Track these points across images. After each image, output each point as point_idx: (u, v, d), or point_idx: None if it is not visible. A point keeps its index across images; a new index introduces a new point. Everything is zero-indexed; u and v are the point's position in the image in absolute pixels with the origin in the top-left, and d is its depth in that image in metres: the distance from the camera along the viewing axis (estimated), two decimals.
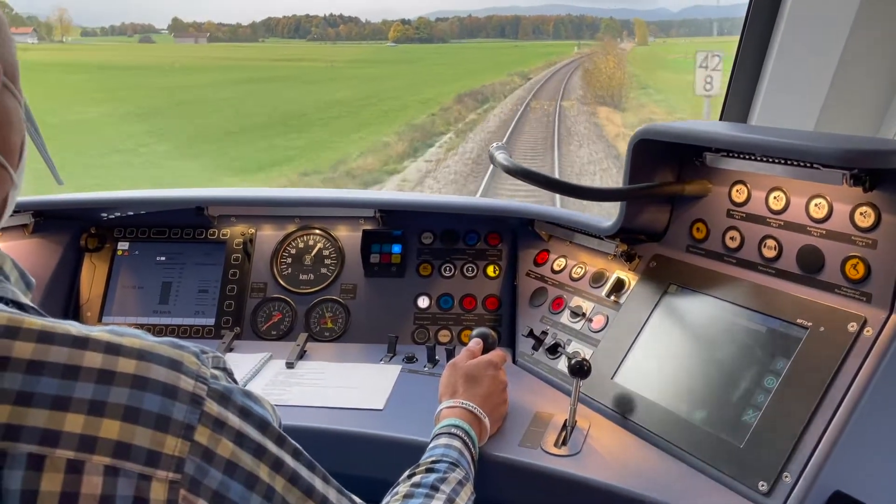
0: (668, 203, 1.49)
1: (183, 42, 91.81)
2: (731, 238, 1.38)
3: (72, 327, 0.68)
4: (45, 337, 0.65)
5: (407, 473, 1.10)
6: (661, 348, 1.39)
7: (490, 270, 1.87)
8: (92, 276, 1.93)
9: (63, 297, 1.91)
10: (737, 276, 1.36)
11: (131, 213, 1.98)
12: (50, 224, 1.92)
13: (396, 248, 1.90)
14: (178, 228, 1.97)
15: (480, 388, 1.32)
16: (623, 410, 1.37)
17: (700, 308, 1.38)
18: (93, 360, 0.65)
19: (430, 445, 1.18)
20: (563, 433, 1.34)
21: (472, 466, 1.17)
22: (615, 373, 1.43)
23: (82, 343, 0.66)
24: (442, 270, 1.88)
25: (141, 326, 1.87)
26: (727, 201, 1.39)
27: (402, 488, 1.05)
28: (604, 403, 1.41)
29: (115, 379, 0.65)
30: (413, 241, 1.91)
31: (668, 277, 1.47)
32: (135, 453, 0.64)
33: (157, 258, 1.96)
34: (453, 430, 1.20)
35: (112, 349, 0.67)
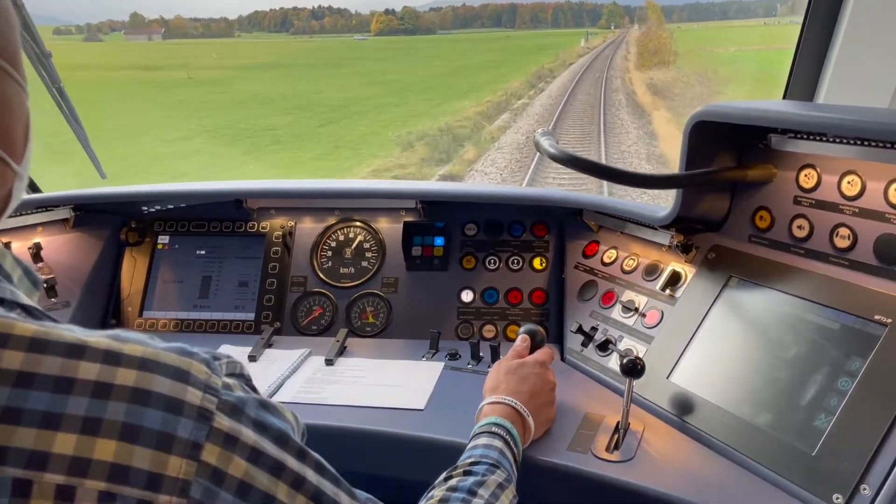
0: (728, 190, 1.39)
1: (134, 40, 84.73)
2: (799, 227, 1.27)
3: (69, 333, 0.61)
4: (37, 345, 0.59)
5: (443, 476, 1.02)
6: (722, 346, 1.29)
7: (536, 263, 1.79)
8: (132, 271, 1.92)
9: (104, 292, 1.90)
10: (805, 268, 1.25)
11: (171, 207, 1.96)
12: (91, 218, 1.91)
13: (439, 241, 1.83)
14: (217, 222, 1.94)
15: (525, 385, 1.25)
16: (680, 412, 1.28)
17: (764, 302, 1.27)
18: (88, 371, 0.59)
19: (469, 445, 1.11)
20: (616, 436, 1.26)
21: (514, 468, 1.10)
22: (671, 372, 1.34)
23: (78, 352, 0.60)
24: (486, 263, 1.81)
25: (181, 321, 1.85)
26: (794, 187, 1.28)
27: (438, 492, 0.98)
28: (659, 405, 1.32)
29: (113, 392, 0.59)
30: (456, 232, 1.84)
31: (728, 270, 1.37)
32: (133, 477, 0.58)
33: (197, 252, 1.93)
34: (494, 429, 1.13)
35: (111, 358, 0.60)
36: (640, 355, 1.41)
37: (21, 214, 1.80)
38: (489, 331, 1.76)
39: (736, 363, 1.25)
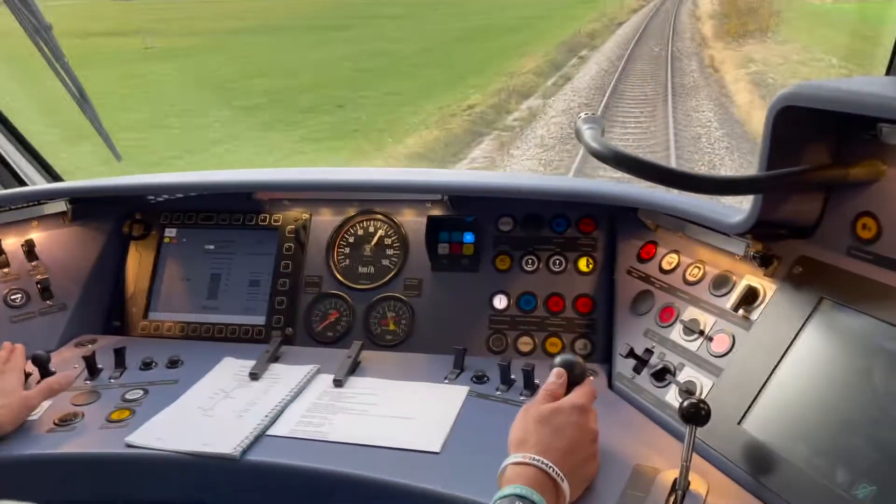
0: (821, 188, 1.10)
1: None
2: None
3: None
4: None
5: None
6: (810, 388, 1.03)
7: (582, 264, 1.54)
8: (137, 267, 1.75)
9: (108, 290, 1.73)
10: None
11: (180, 196, 1.78)
12: (91, 210, 1.74)
13: (468, 237, 1.59)
14: (226, 213, 1.75)
15: (560, 439, 1.01)
16: (754, 470, 1.03)
17: (867, 337, 1.00)
18: None
19: None
20: (672, 498, 1.01)
21: None
22: (744, 416, 1.08)
23: None
24: (523, 264, 1.56)
25: (188, 325, 1.67)
26: None
27: None
28: (727, 456, 1.07)
29: None
30: (489, 227, 1.60)
31: (819, 289, 1.09)
32: None
33: (206, 247, 1.75)
34: None
35: None
36: (706, 391, 1.16)
37: (13, 209, 1.64)
38: (525, 343, 1.52)
39: (829, 413, 0.99)
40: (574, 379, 1.14)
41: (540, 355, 1.50)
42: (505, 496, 0.92)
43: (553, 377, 1.13)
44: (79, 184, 1.73)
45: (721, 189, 0.95)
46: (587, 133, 1.06)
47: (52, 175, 2.38)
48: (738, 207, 1.16)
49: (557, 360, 1.16)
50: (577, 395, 1.08)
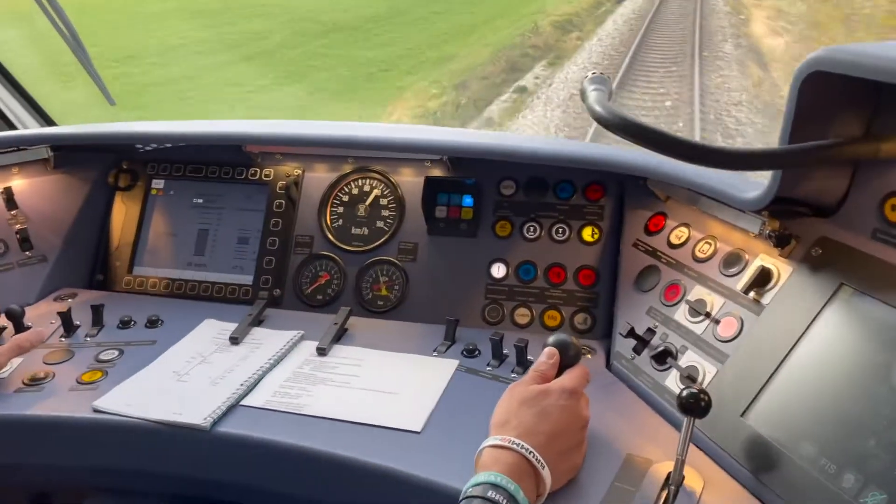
0: (849, 163, 1.00)
1: None
2: None
3: None
4: None
5: None
6: (822, 383, 0.94)
7: (587, 233, 1.45)
8: (123, 219, 1.67)
9: (91, 243, 1.67)
10: None
11: (169, 146, 1.69)
12: (75, 157, 1.66)
13: (468, 201, 1.50)
14: (216, 166, 1.66)
15: (545, 423, 0.94)
16: (755, 467, 0.95)
17: (889, 328, 0.91)
18: None
19: None
20: (665, 493, 0.94)
21: None
22: (748, 408, 1.00)
23: None
24: (524, 231, 1.47)
25: (173, 283, 1.61)
26: None
27: None
28: (727, 450, 0.99)
29: None
30: (490, 191, 1.51)
31: (839, 275, 1.00)
32: None
33: (194, 200, 1.67)
34: (491, 494, 0.83)
35: None
36: (709, 378, 1.08)
37: None
38: (522, 315, 1.44)
39: (841, 411, 0.91)
40: (567, 360, 1.06)
41: (537, 328, 1.42)
42: (478, 484, 0.85)
43: (544, 357, 1.05)
44: (61, 130, 1.64)
45: (735, 163, 0.85)
46: (592, 95, 0.95)
47: (46, 119, 2.31)
48: (755, 181, 1.06)
49: (551, 339, 1.08)
50: (569, 378, 1.00)
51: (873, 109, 0.95)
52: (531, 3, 15.28)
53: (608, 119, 0.88)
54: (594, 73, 1.06)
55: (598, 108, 0.91)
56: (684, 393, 0.94)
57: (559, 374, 1.04)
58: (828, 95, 0.90)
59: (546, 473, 0.89)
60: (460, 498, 0.85)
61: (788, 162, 0.89)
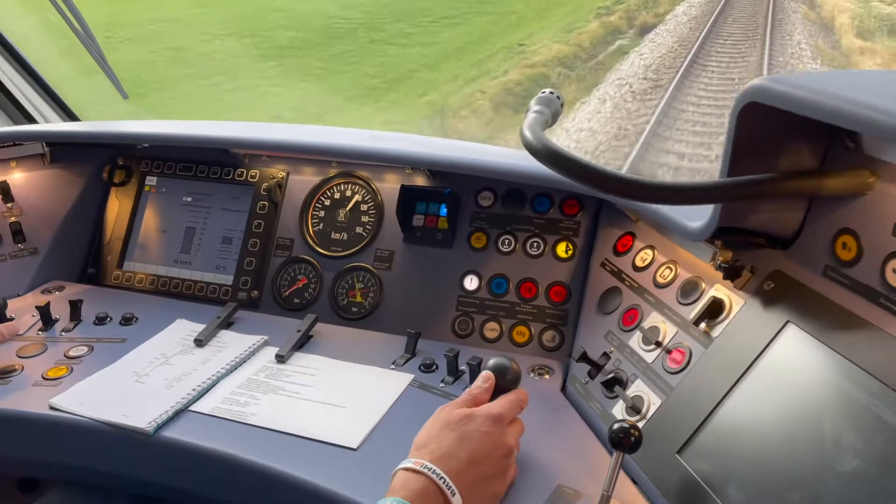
0: (800, 196, 0.95)
1: None
2: (895, 270, 0.84)
3: None
4: None
5: None
6: (756, 427, 0.90)
7: (561, 249, 1.42)
8: (116, 214, 1.71)
9: (85, 236, 1.71)
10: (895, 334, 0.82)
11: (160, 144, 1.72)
12: (72, 153, 1.71)
13: (444, 210, 1.49)
14: (204, 165, 1.69)
15: (463, 449, 0.92)
16: None
17: (827, 374, 0.86)
18: None
19: None
20: None
21: None
22: (684, 445, 0.97)
23: None
24: (499, 243, 1.45)
25: (158, 279, 1.64)
26: None
27: None
28: (660, 488, 0.96)
29: None
30: (468, 201, 1.49)
31: (787, 311, 0.95)
32: None
33: (184, 198, 1.70)
34: None
35: None
36: (652, 409, 1.05)
37: None
38: (492, 330, 1.42)
39: (770, 458, 0.87)
40: (505, 385, 1.04)
41: (505, 344, 1.40)
42: None
43: (479, 380, 1.03)
44: (54, 127, 1.70)
45: (660, 197, 0.82)
46: (529, 117, 0.93)
47: (67, 112, 2.38)
48: (706, 209, 1.02)
49: (490, 362, 1.06)
50: (497, 405, 0.98)
51: (828, 142, 0.91)
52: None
53: (533, 145, 0.86)
54: (545, 92, 1.03)
55: (526, 133, 0.88)
56: (615, 426, 0.91)
57: (494, 398, 1.02)
58: (776, 125, 0.86)
59: (457, 500, 0.88)
60: None
61: (721, 196, 0.85)
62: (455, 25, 14.31)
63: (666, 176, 6.81)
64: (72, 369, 1.28)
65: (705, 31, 11.99)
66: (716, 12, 13.25)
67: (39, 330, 1.43)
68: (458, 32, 13.94)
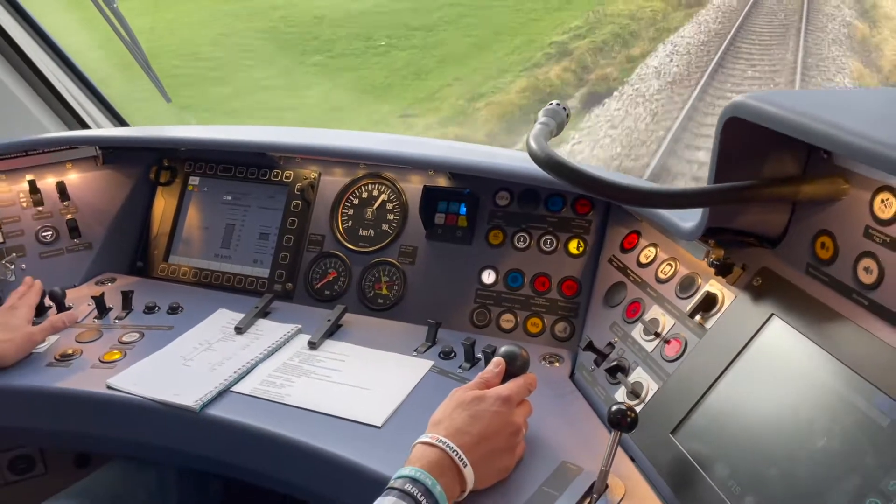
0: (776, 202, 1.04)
1: None
2: (866, 269, 0.92)
3: None
4: None
5: None
6: (740, 411, 1.00)
7: (573, 246, 1.51)
8: (162, 211, 1.85)
9: (134, 232, 1.85)
10: (865, 326, 0.91)
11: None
12: (122, 155, 1.85)
13: (463, 210, 1.59)
14: (243, 167, 1.81)
15: (475, 426, 1.03)
16: (675, 485, 1.02)
17: (804, 363, 0.95)
18: None
19: (375, 503, 0.93)
20: (588, 501, 1.02)
21: None
22: (677, 426, 1.06)
23: None
24: (515, 240, 1.55)
25: (200, 272, 1.77)
26: (867, 214, 0.92)
27: None
28: (654, 466, 1.06)
29: None
30: (486, 200, 1.59)
31: (771, 305, 1.04)
32: None
33: (224, 197, 1.83)
34: (407, 487, 0.93)
35: None
36: (650, 394, 1.14)
37: (48, 151, 1.76)
38: (507, 321, 1.52)
39: (752, 438, 0.96)
40: (515, 371, 1.14)
41: (520, 334, 1.51)
42: (399, 477, 0.95)
43: (491, 366, 1.14)
44: (105, 132, 1.84)
45: (651, 202, 0.91)
46: (535, 127, 1.03)
47: (117, 118, 2.53)
48: (698, 210, 1.11)
49: (501, 349, 1.17)
50: (506, 387, 1.09)
51: (809, 151, 0.99)
52: None
53: (537, 155, 0.96)
54: (552, 104, 1.13)
55: (531, 144, 0.98)
56: (613, 408, 1.01)
57: (505, 382, 1.13)
58: (761, 136, 0.94)
59: (468, 472, 0.99)
60: (389, 483, 0.96)
61: (706, 200, 0.94)
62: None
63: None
64: (125, 353, 1.42)
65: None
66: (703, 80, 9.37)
67: (95, 318, 1.57)
68: None
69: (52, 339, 1.47)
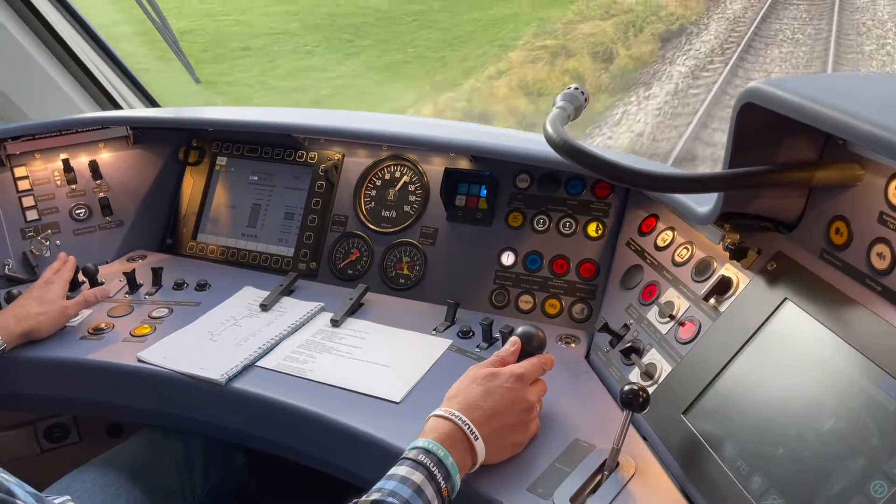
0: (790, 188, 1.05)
1: None
2: (879, 255, 0.93)
3: None
4: None
5: None
6: (750, 393, 1.01)
7: (592, 229, 1.53)
8: (190, 190, 1.90)
9: (163, 210, 1.90)
10: (877, 311, 0.92)
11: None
12: (152, 135, 1.89)
13: (483, 192, 1.61)
14: (269, 147, 1.85)
15: (488, 401, 1.06)
16: (684, 463, 1.04)
17: (815, 346, 0.97)
18: None
19: (389, 472, 0.96)
20: (599, 477, 1.05)
21: None
22: (689, 407, 1.08)
23: None
24: (534, 223, 1.57)
25: (228, 250, 1.82)
26: (882, 200, 0.93)
27: None
28: (665, 444, 1.08)
29: None
30: (506, 183, 1.61)
31: (785, 289, 1.05)
32: None
33: (251, 177, 1.87)
34: (420, 457, 0.97)
35: None
36: (664, 376, 1.16)
37: (81, 132, 1.81)
38: (526, 302, 1.55)
39: (762, 419, 0.98)
40: (531, 350, 1.17)
41: (538, 315, 1.53)
42: (413, 448, 0.99)
43: (507, 345, 1.17)
44: (135, 113, 1.89)
45: (665, 186, 0.93)
46: (553, 112, 1.05)
47: (149, 98, 2.58)
48: (713, 195, 1.12)
49: (518, 329, 1.19)
50: (520, 365, 1.12)
51: (826, 136, 1.00)
52: None
53: (553, 139, 0.98)
54: (570, 88, 1.14)
55: (548, 128, 1.00)
56: (625, 388, 1.03)
57: (520, 361, 1.15)
58: (777, 121, 0.95)
59: (479, 445, 1.02)
60: (404, 454, 1.00)
61: (721, 183, 0.95)
62: None
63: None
64: (155, 328, 1.47)
65: None
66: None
67: (126, 293, 1.62)
68: None
69: (86, 313, 1.53)
